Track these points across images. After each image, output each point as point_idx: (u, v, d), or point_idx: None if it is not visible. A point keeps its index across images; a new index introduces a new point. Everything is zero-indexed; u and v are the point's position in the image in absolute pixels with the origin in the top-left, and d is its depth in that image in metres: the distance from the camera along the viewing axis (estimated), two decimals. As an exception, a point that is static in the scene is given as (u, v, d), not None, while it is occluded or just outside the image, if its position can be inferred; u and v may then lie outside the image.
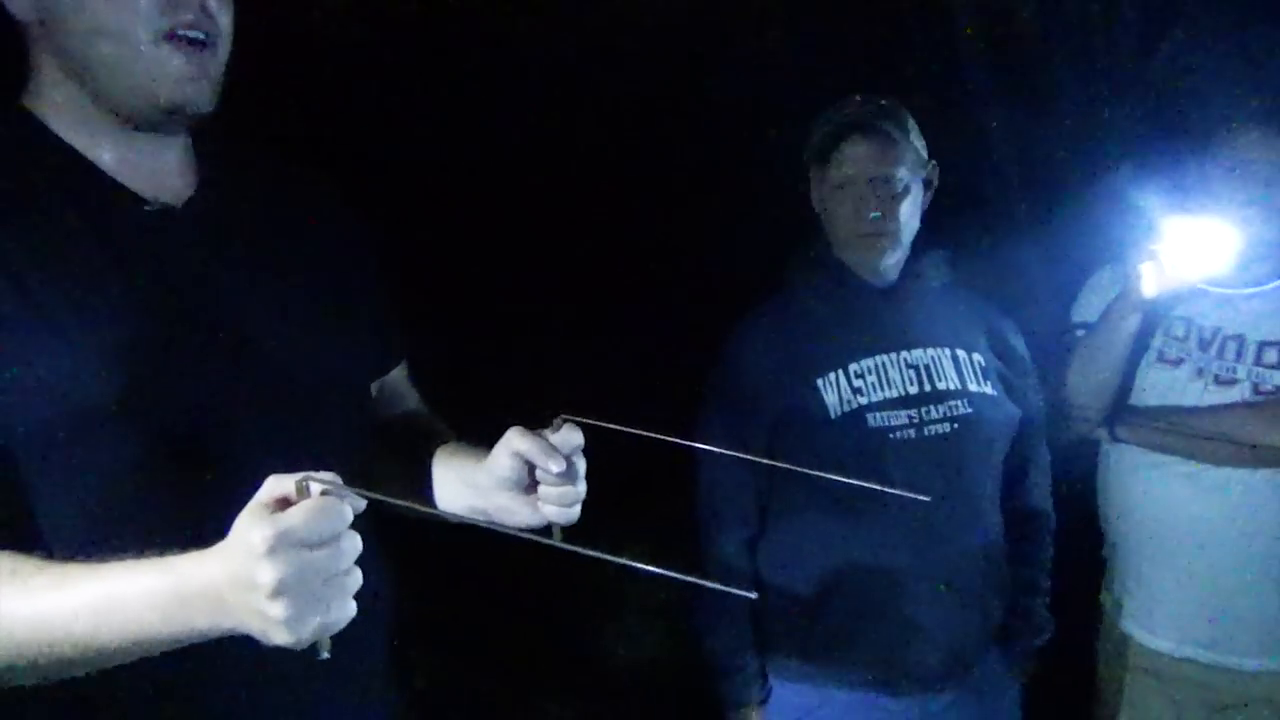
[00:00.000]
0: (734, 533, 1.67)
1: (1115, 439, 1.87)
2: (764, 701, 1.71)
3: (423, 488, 1.09)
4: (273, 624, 0.73)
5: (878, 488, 1.01)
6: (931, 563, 1.58)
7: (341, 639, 0.78)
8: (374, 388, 1.18)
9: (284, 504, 0.74)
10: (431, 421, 1.21)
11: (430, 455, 1.11)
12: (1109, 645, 1.96)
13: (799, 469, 1.10)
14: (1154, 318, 1.83)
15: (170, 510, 0.91)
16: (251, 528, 0.72)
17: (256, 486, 0.77)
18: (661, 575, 0.73)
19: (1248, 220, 1.71)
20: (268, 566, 0.71)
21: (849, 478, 1.04)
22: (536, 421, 1.00)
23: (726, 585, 1.66)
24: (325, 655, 0.78)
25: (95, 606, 0.77)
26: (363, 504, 0.77)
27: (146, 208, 0.96)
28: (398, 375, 1.22)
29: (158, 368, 0.90)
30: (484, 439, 1.07)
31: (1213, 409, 1.76)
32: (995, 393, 1.65)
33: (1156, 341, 1.85)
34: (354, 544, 0.76)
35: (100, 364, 0.87)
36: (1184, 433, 1.77)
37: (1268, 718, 1.78)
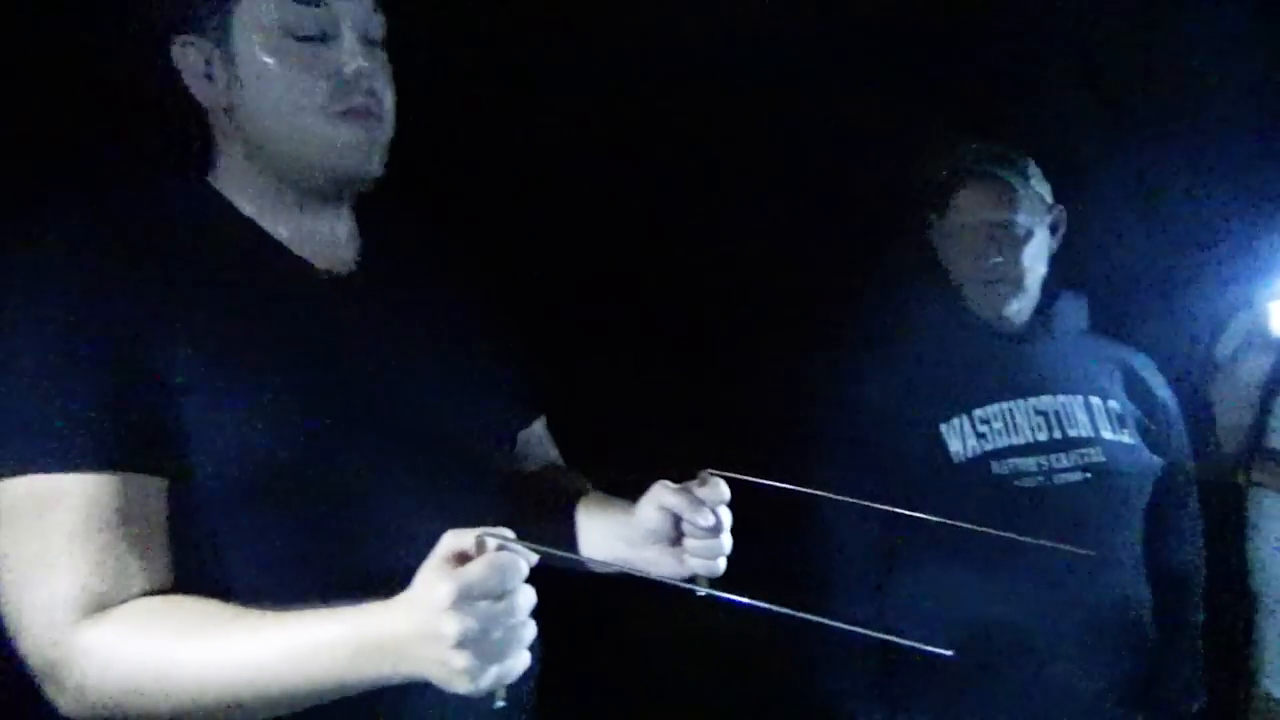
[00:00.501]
0: (859, 577, 1.66)
1: (1251, 483, 1.80)
2: None
3: (568, 540, 1.12)
4: (455, 673, 0.76)
5: (992, 532, 0.99)
6: (1064, 618, 1.54)
7: (511, 689, 0.81)
8: (518, 440, 1.22)
9: (462, 558, 0.78)
10: (571, 474, 1.25)
11: (572, 507, 1.14)
12: (1254, 706, 1.87)
13: (919, 515, 1.10)
14: None
15: (340, 558, 0.95)
16: (436, 583, 0.76)
17: (415, 535, 0.81)
18: (834, 627, 0.73)
19: None
20: (452, 619, 0.75)
21: (974, 526, 1.03)
22: (675, 475, 1.03)
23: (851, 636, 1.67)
24: (501, 704, 0.81)
25: (288, 654, 0.82)
26: (535, 558, 0.80)
27: (317, 276, 1.03)
28: (538, 429, 1.26)
29: (330, 426, 0.96)
30: (619, 491, 1.11)
31: None
32: (1133, 441, 1.60)
33: None
34: (529, 597, 0.79)
35: (280, 423, 0.92)
36: None
37: None
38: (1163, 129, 2.06)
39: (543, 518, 1.15)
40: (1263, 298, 1.69)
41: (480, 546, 0.79)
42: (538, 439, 1.26)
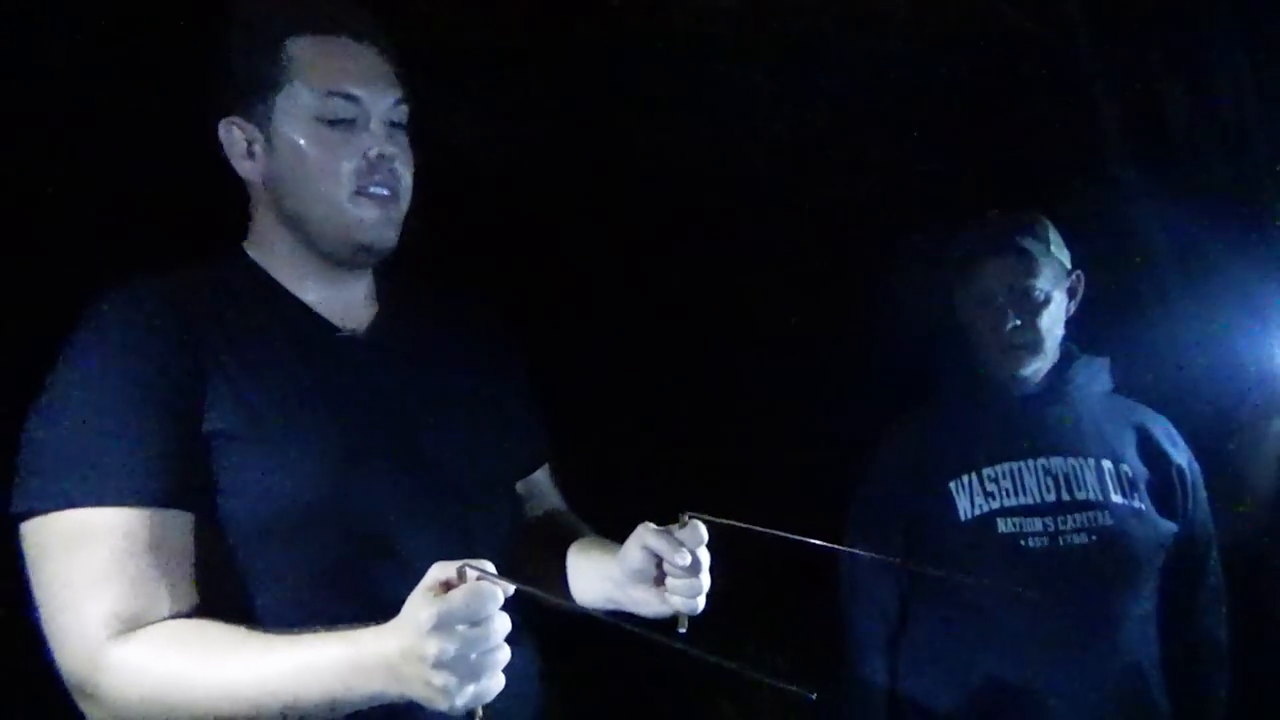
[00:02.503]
0: (874, 631, 1.69)
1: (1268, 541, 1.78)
2: None
3: (561, 578, 1.19)
4: (435, 691, 0.84)
5: (981, 583, 1.03)
6: (1066, 677, 1.54)
7: (495, 711, 0.88)
8: (521, 487, 1.31)
9: (446, 587, 0.86)
10: (571, 518, 1.33)
11: (565, 549, 1.22)
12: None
13: (921, 568, 1.14)
14: None
15: (352, 590, 1.04)
16: (420, 608, 0.85)
17: (421, 571, 0.89)
18: (750, 673, 0.78)
19: None
20: (433, 641, 0.83)
21: (982, 582, 1.06)
22: (668, 518, 1.10)
23: (866, 689, 1.68)
24: None
25: (292, 672, 0.90)
26: (511, 589, 0.88)
27: (339, 334, 1.14)
28: (541, 475, 1.34)
29: (349, 472, 1.06)
30: (620, 535, 1.17)
31: None
32: (1143, 506, 1.60)
33: None
34: (504, 624, 0.87)
35: (303, 469, 1.03)
36: None
37: None
38: (1189, 194, 2.08)
39: (540, 558, 1.23)
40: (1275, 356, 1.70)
41: (462, 576, 0.87)
42: (542, 485, 1.34)
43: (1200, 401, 1.83)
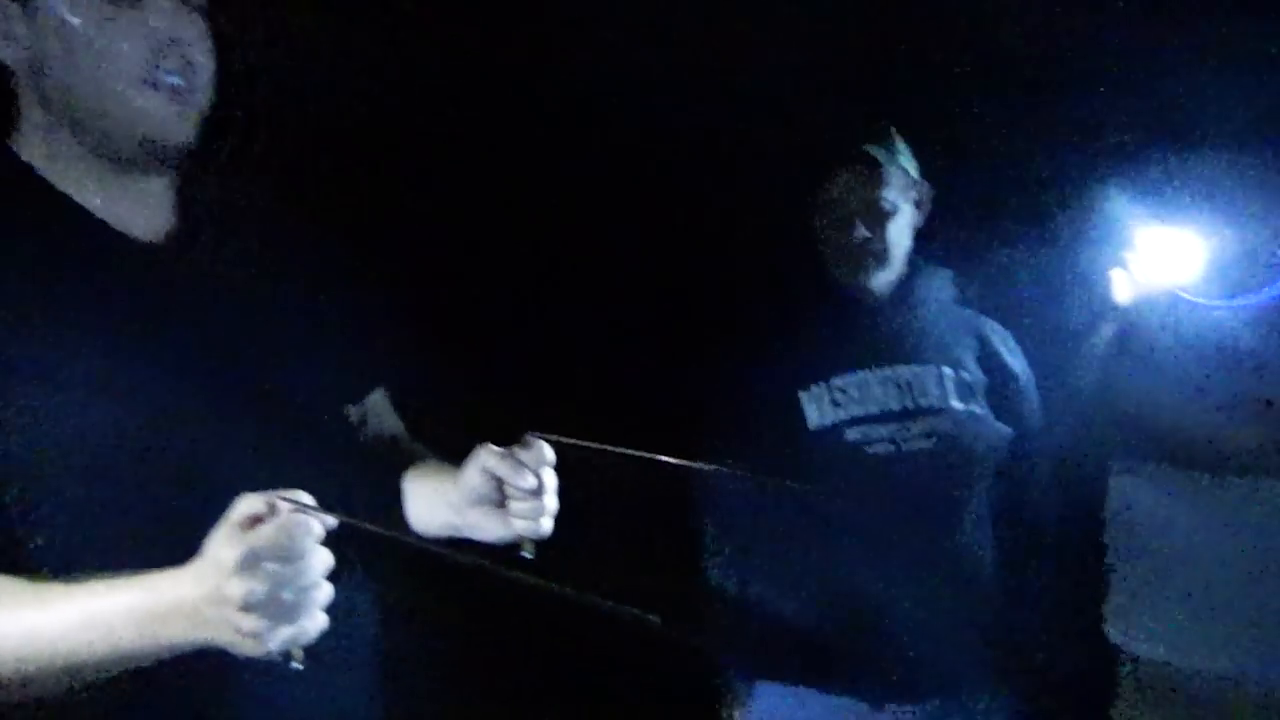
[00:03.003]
0: (722, 545, 1.71)
1: (1098, 447, 1.89)
2: (745, 705, 1.74)
3: (399, 507, 1.12)
4: (244, 636, 0.77)
5: (831, 492, 1.03)
6: (910, 578, 1.60)
7: (321, 655, 0.81)
8: (353, 412, 1.22)
9: (255, 522, 0.78)
10: (409, 443, 1.25)
11: (401, 476, 1.15)
12: (1095, 654, 1.97)
13: (771, 480, 1.13)
14: (1133, 326, 1.86)
15: (162, 532, 0.94)
16: (223, 546, 0.77)
17: None
18: (588, 600, 0.75)
19: (1222, 230, 1.74)
20: (237, 582, 0.75)
21: (828, 492, 1.07)
22: (512, 439, 1.04)
23: (719, 599, 1.70)
24: (298, 666, 0.81)
25: (80, 623, 0.81)
26: (333, 522, 0.81)
27: (135, 246, 1.00)
28: (376, 399, 1.26)
29: (150, 399, 0.94)
30: (462, 459, 1.11)
31: (1192, 416, 1.77)
32: (981, 411, 1.66)
33: (1136, 352, 1.88)
34: (323, 559, 0.79)
35: (92, 399, 0.91)
36: (1163, 440, 1.80)
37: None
38: (1034, 111, 2.12)
39: (376, 486, 1.15)
40: (1106, 267, 1.77)
41: (272, 509, 0.79)
42: (377, 409, 1.25)
43: (1035, 311, 1.90)
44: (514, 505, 1.01)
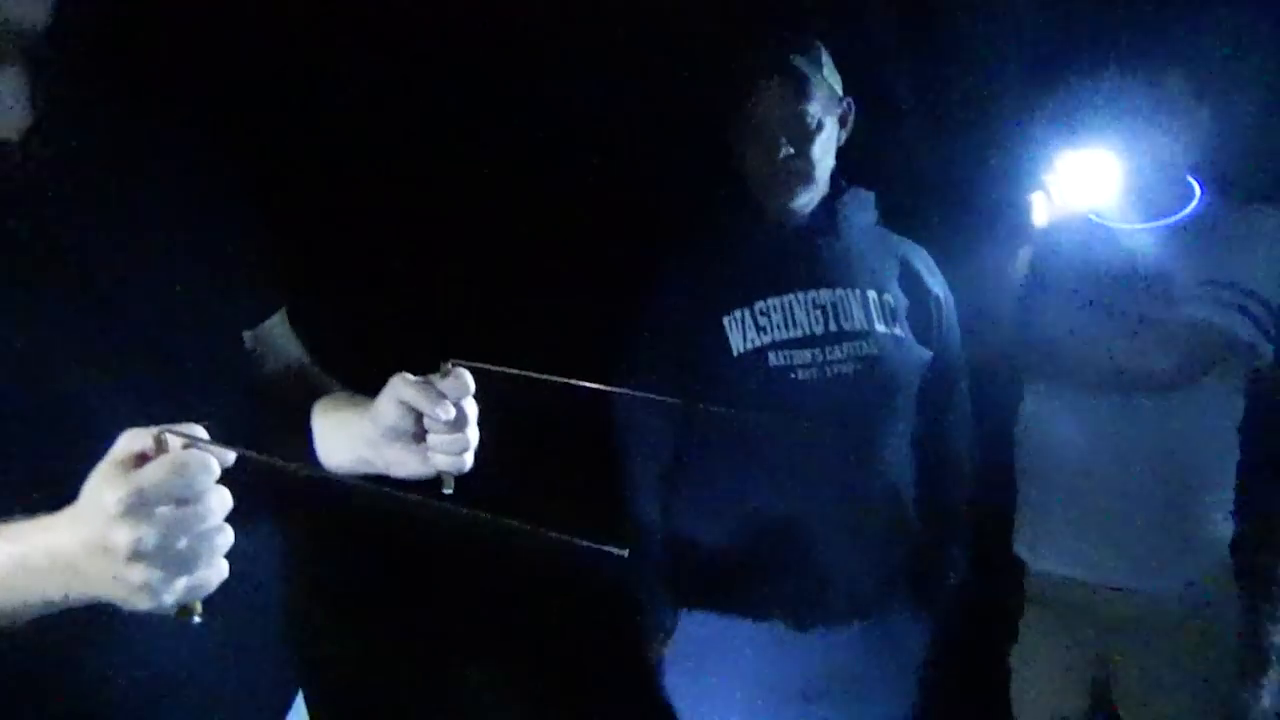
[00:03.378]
0: (645, 470, 1.67)
1: (1011, 370, 1.91)
2: (672, 632, 1.73)
3: (306, 442, 1.03)
4: (133, 589, 0.68)
5: (769, 417, 1.00)
6: (832, 503, 1.60)
7: (223, 604, 0.73)
8: (250, 339, 1.11)
9: (142, 460, 0.69)
10: (315, 372, 1.15)
11: (309, 408, 1.05)
12: (1006, 572, 2.03)
13: (694, 404, 1.08)
14: (1049, 250, 1.88)
15: (31, 476, 0.84)
16: (104, 487, 0.67)
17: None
18: (530, 531, 0.70)
19: (1138, 154, 1.75)
20: (123, 528, 0.66)
21: (751, 416, 1.03)
22: (430, 367, 0.96)
23: (641, 526, 1.68)
24: (197, 619, 0.73)
25: None
26: (231, 457, 0.72)
27: None
28: (276, 324, 1.15)
29: (8, 323, 0.83)
30: (375, 390, 1.02)
31: (1100, 340, 1.81)
32: (903, 334, 1.65)
33: (1049, 274, 1.90)
34: (221, 500, 0.71)
35: None
36: (1071, 363, 1.83)
37: (1148, 638, 1.87)
38: (955, 33, 2.09)
39: (278, 420, 1.06)
40: (1024, 194, 1.77)
41: (161, 445, 0.69)
42: (276, 335, 1.15)
43: (955, 233, 1.89)
44: (433, 439, 0.93)
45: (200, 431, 0.71)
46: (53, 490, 0.72)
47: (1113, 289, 1.83)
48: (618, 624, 1.75)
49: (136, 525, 0.66)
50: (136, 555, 0.66)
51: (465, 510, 0.74)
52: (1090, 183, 1.75)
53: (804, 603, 1.63)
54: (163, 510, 0.67)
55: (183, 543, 0.68)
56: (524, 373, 0.94)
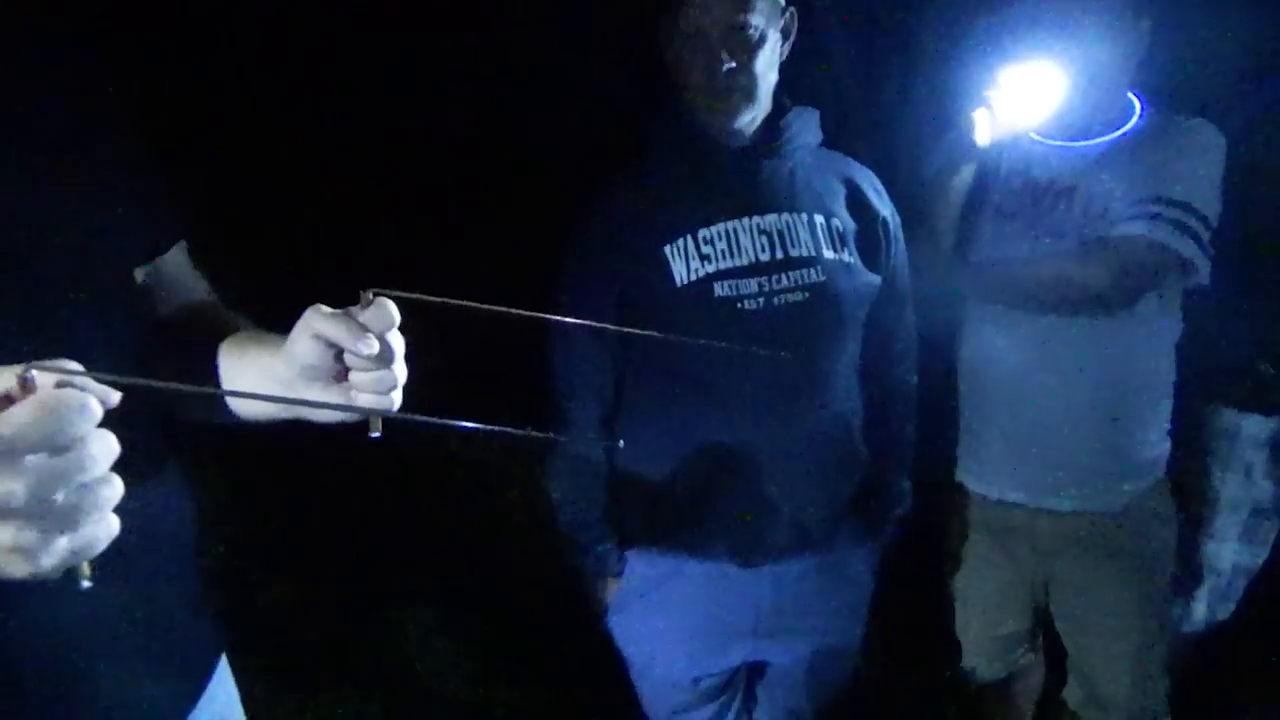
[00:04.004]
0: (588, 407, 1.60)
1: (952, 293, 1.89)
2: (619, 574, 1.69)
3: (211, 385, 0.93)
4: (4, 552, 0.58)
5: (716, 346, 0.93)
6: (780, 436, 1.55)
7: (124, 566, 0.64)
8: (145, 274, 1.00)
9: (5, 403, 0.59)
10: (219, 309, 1.04)
11: (214, 348, 0.95)
12: (949, 498, 2.03)
13: (640, 332, 1.00)
14: (990, 170, 1.84)
15: None
16: None
17: None
18: (494, 431, 0.62)
19: (1074, 73, 1.71)
20: None
21: (696, 350, 0.95)
22: (347, 299, 0.86)
23: (580, 467, 1.61)
24: (86, 583, 0.64)
25: None
26: (115, 397, 0.62)
27: None
28: (176, 258, 1.04)
29: None
30: (286, 326, 0.93)
31: (1040, 259, 1.79)
32: (852, 260, 1.59)
33: (990, 194, 1.87)
34: (106, 446, 0.61)
35: None
36: (1011, 284, 1.81)
37: (1086, 558, 1.89)
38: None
39: (178, 363, 0.95)
40: (966, 111, 1.72)
41: (26, 385, 0.59)
42: (176, 270, 1.04)
43: (898, 153, 1.84)
44: (356, 377, 0.84)
45: (75, 367, 0.61)
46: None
47: (1052, 207, 1.81)
48: (563, 568, 1.69)
49: (1, 479, 0.57)
50: (4, 513, 0.57)
51: (432, 420, 0.65)
52: (1032, 99, 1.71)
53: (753, 538, 1.60)
54: (32, 460, 0.57)
55: (60, 496, 0.59)
56: (453, 301, 0.86)
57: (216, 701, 1.05)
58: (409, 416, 0.74)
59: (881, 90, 1.93)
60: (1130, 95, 1.79)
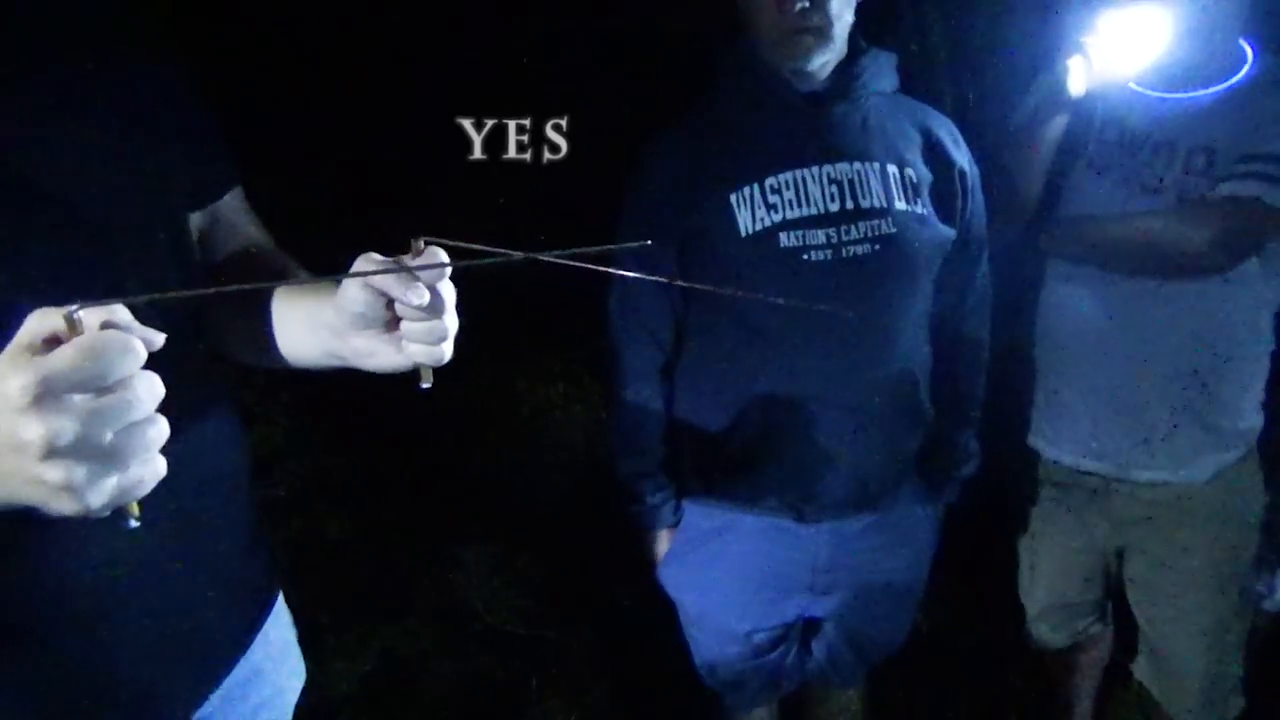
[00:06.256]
0: (646, 356, 1.58)
1: (1038, 249, 1.80)
2: (675, 525, 1.68)
3: (265, 333, 0.93)
4: (52, 491, 0.59)
5: (780, 302, 0.88)
6: (844, 390, 1.50)
7: (177, 506, 0.65)
8: (202, 219, 1.00)
9: (53, 344, 0.59)
10: (275, 254, 1.04)
11: (268, 295, 0.95)
12: (1018, 462, 1.97)
13: (706, 288, 0.97)
14: (1084, 121, 1.73)
15: None
16: (8, 376, 0.58)
17: None
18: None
19: (1181, 19, 1.58)
20: (34, 421, 0.57)
21: (760, 299, 0.91)
22: (399, 247, 0.85)
23: (639, 417, 1.60)
24: (134, 523, 0.65)
25: None
26: (159, 339, 0.62)
27: None
28: (232, 203, 1.04)
29: None
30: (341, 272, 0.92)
31: (1134, 216, 1.68)
32: (925, 211, 1.52)
33: (1086, 148, 1.76)
34: (150, 387, 0.61)
35: None
36: (1103, 241, 1.71)
37: (1166, 529, 1.81)
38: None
39: (233, 309, 0.95)
40: (1061, 58, 1.62)
41: (73, 326, 0.60)
42: (231, 214, 1.04)
43: (982, 103, 1.74)
44: (407, 327, 0.82)
45: (122, 310, 0.61)
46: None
47: (1150, 162, 1.70)
48: (619, 513, 1.69)
49: (48, 417, 0.57)
50: (53, 451, 0.58)
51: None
52: (1133, 47, 1.59)
53: (814, 494, 1.56)
54: (79, 400, 0.58)
55: (107, 436, 0.59)
56: (508, 251, 0.83)
57: (270, 640, 1.07)
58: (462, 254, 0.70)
59: (966, 34, 1.82)
60: (1242, 43, 1.65)
